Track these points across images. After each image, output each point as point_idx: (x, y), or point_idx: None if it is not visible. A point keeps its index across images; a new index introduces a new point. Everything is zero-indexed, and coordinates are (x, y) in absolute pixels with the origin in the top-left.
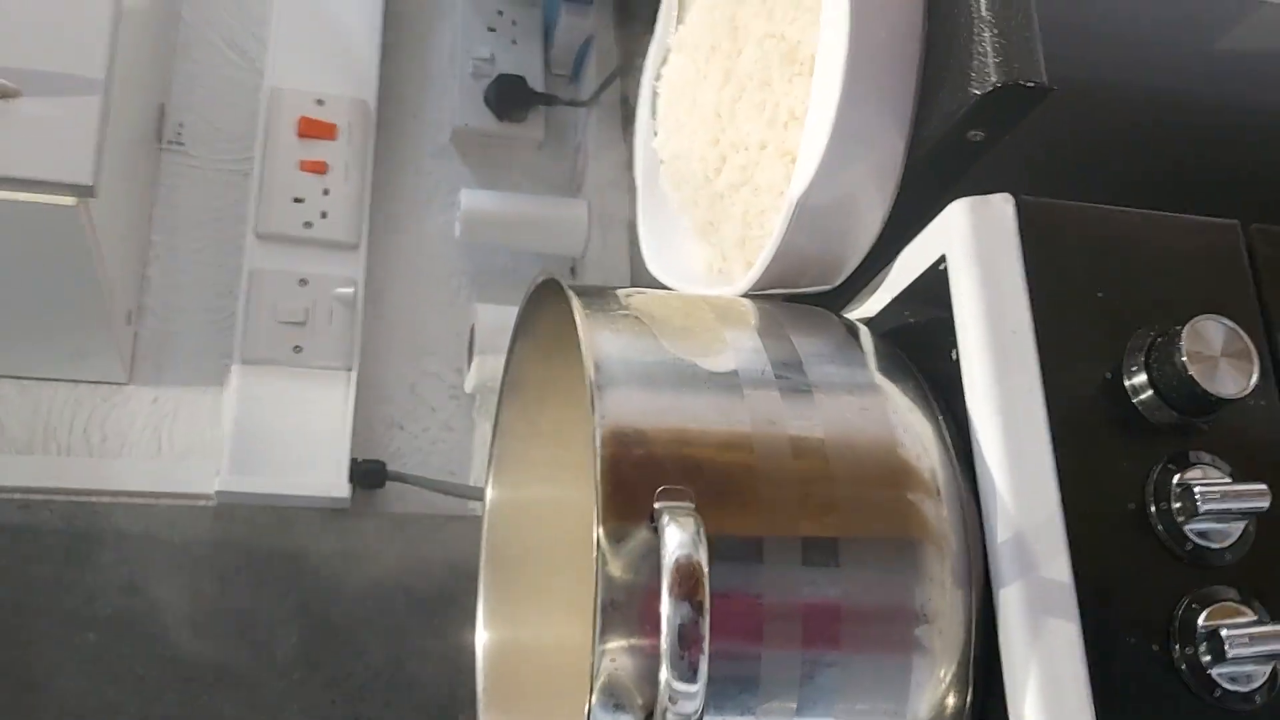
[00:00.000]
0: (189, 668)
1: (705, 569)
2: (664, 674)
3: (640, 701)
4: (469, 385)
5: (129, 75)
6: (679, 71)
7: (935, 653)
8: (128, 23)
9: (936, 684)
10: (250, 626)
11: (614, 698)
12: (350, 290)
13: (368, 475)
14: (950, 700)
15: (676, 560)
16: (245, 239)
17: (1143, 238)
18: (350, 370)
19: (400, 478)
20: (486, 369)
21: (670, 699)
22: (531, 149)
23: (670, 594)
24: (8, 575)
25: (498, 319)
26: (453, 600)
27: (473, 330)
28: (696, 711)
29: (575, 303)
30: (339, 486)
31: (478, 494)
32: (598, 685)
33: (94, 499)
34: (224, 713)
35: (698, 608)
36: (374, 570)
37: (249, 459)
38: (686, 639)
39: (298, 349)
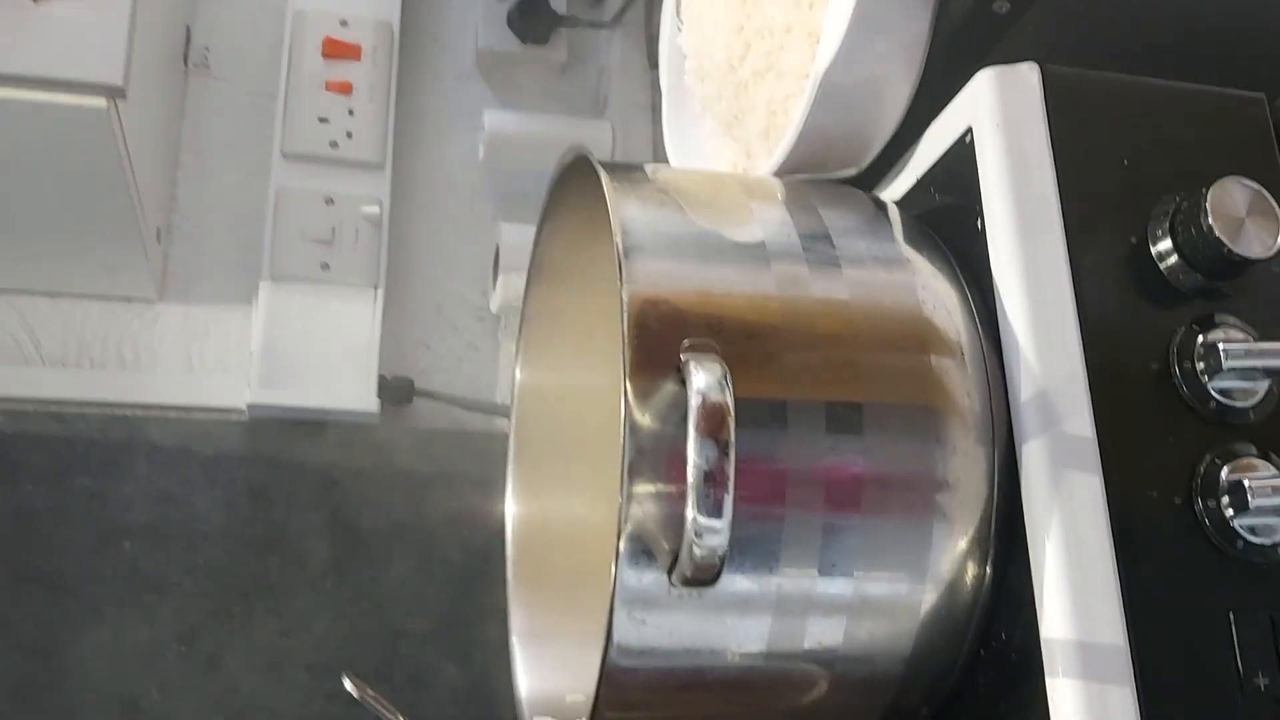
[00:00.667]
0: (222, 575)
1: (731, 407)
2: (690, 512)
3: (666, 547)
4: (494, 305)
5: None
6: None
7: (955, 517)
8: None
9: (956, 547)
10: (281, 536)
11: (641, 543)
12: (376, 209)
13: (396, 391)
14: (970, 563)
15: (702, 399)
16: (272, 159)
17: (1169, 107)
18: (377, 288)
19: (428, 394)
20: (511, 288)
21: (696, 534)
22: (555, 71)
23: (696, 431)
24: (44, 484)
25: (522, 239)
26: (478, 513)
27: (497, 250)
28: (722, 546)
29: (603, 174)
30: (368, 401)
31: (503, 411)
32: (625, 532)
33: (128, 412)
34: (255, 619)
35: (723, 445)
36: (402, 483)
37: (278, 373)
38: (713, 475)
39: (325, 266)
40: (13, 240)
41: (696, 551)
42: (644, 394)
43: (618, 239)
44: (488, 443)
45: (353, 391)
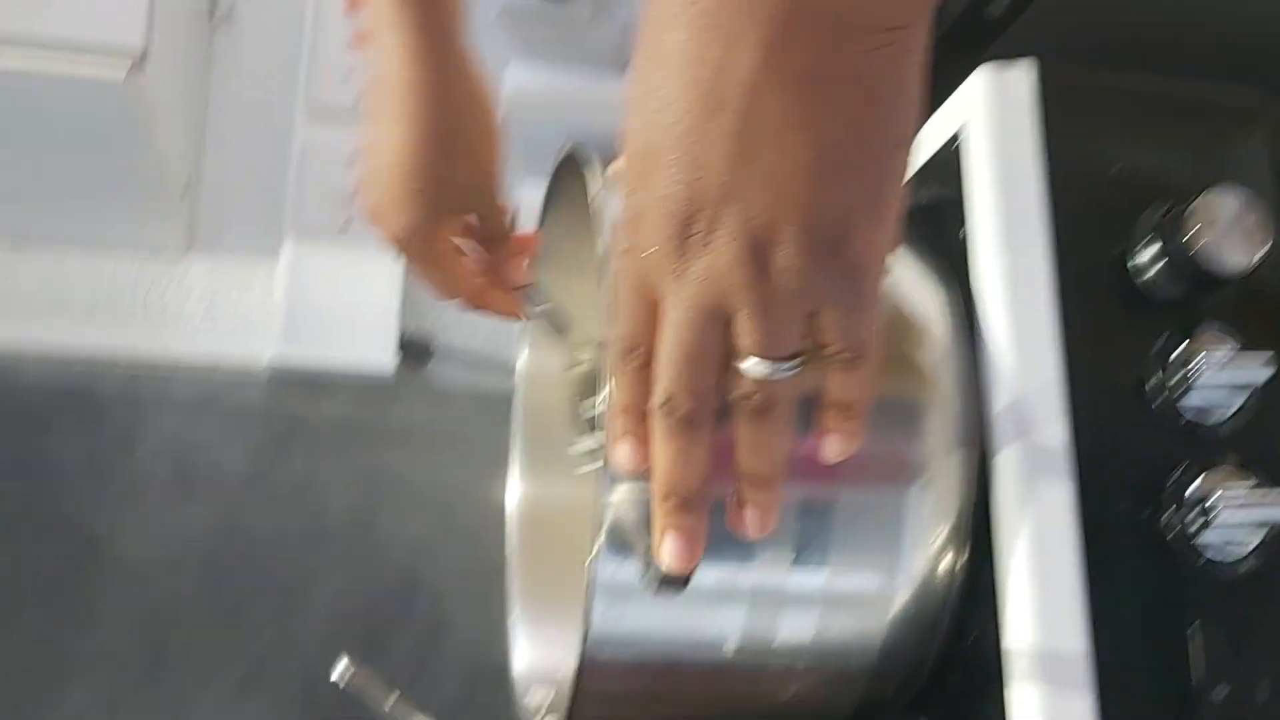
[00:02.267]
0: (245, 528)
1: None
2: None
3: (642, 547)
4: None
5: None
6: None
7: (929, 512)
8: None
9: (930, 542)
10: (302, 490)
11: (620, 540)
12: None
13: (415, 349)
14: (943, 558)
15: None
16: (296, 113)
17: (1166, 109)
18: None
19: (446, 353)
20: None
21: None
22: (580, 25)
23: None
24: (73, 436)
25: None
26: (495, 471)
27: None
28: None
29: (589, 174)
30: (387, 359)
31: None
32: (604, 530)
33: (154, 366)
34: (278, 571)
35: None
36: (421, 439)
37: (301, 329)
38: None
39: (348, 223)
40: (43, 194)
41: None
42: None
43: (602, 236)
44: (502, 401)
45: (372, 350)
